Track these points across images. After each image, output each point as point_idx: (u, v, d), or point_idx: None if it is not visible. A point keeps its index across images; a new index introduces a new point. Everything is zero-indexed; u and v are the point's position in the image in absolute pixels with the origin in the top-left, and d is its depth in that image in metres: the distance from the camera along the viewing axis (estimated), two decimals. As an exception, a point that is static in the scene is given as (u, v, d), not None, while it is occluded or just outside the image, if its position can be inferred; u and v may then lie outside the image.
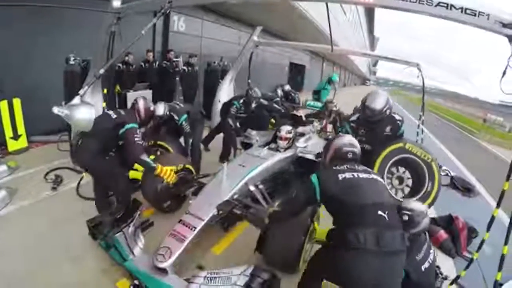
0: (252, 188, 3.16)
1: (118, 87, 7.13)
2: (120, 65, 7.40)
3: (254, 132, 5.15)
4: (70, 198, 4.16)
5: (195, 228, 2.70)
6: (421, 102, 6.99)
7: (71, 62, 5.50)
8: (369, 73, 79.90)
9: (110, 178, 3.43)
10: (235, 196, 3.11)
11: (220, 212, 2.88)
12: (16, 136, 5.69)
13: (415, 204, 2.44)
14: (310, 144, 4.85)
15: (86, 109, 4.12)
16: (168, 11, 3.84)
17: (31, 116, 5.75)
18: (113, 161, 3.55)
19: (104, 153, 3.41)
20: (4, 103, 5.47)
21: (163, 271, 2.46)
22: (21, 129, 5.75)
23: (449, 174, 6.54)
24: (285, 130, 4.52)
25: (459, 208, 4.69)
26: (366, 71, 68.65)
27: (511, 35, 2.44)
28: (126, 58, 7.40)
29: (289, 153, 4.38)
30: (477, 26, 2.61)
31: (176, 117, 4.65)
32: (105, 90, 4.85)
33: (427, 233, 2.50)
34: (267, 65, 17.27)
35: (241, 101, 5.91)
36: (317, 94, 9.37)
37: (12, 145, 5.60)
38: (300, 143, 4.69)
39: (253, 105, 5.99)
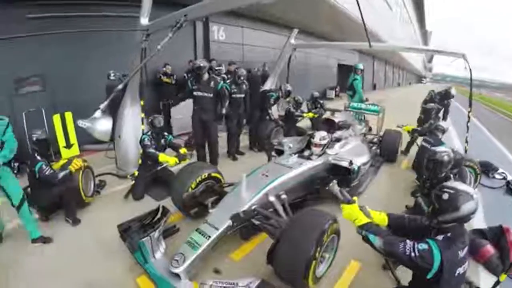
0: (272, 199, 3.17)
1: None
2: (161, 75, 7.80)
3: (286, 139, 5.07)
4: (109, 201, 4.58)
5: (209, 237, 2.81)
6: (469, 97, 6.08)
7: (111, 77, 6.02)
8: (425, 70, 76.05)
9: None
10: (254, 207, 3.13)
11: (234, 223, 2.95)
12: (68, 145, 6.25)
13: (460, 184, 2.05)
14: (345, 150, 4.75)
15: (105, 122, 4.48)
16: (184, 24, 3.96)
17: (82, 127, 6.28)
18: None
19: None
20: (57, 116, 6.05)
21: (177, 275, 2.59)
22: (73, 139, 6.31)
23: (506, 177, 5.88)
24: (319, 136, 4.43)
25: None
26: (422, 68, 65.34)
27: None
28: (164, 69, 7.80)
29: (319, 161, 4.30)
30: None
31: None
32: (142, 102, 5.15)
33: (468, 235, 2.04)
34: (313, 67, 17.21)
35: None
36: (350, 90, 9.13)
37: (66, 153, 6.16)
38: (332, 149, 4.60)
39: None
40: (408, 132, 6.20)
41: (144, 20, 4.82)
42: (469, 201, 1.90)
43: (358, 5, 4.26)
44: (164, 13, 4.50)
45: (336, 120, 5.90)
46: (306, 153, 4.47)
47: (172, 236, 3.53)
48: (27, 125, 5.94)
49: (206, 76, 5.24)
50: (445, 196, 1.96)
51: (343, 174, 4.30)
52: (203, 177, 3.80)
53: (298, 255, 2.44)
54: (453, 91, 7.65)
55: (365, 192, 4.85)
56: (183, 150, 4.78)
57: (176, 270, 2.59)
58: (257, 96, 7.46)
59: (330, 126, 5.78)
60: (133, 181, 4.76)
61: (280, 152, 4.82)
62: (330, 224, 2.62)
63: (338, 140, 5.02)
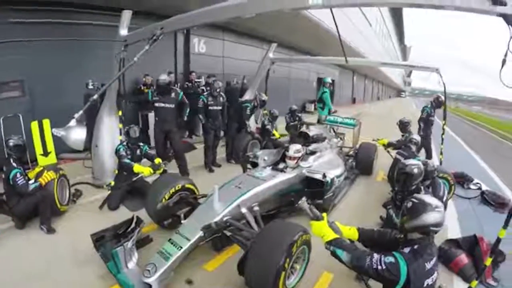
0: (244, 210, 3.23)
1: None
2: (141, 86, 7.80)
3: (261, 152, 5.13)
4: (85, 210, 4.58)
5: (181, 247, 2.84)
6: (444, 109, 6.59)
7: (90, 86, 6.01)
8: (404, 84, 77.84)
9: None
10: (226, 218, 3.18)
11: (206, 234, 3.00)
12: (46, 153, 6.15)
13: (428, 197, 2.12)
14: (319, 163, 4.83)
15: (79, 131, 4.49)
16: (160, 37, 4.04)
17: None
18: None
19: None
20: (35, 123, 5.98)
21: (149, 286, 2.62)
22: (50, 147, 6.22)
23: (480, 187, 6.11)
24: (294, 149, 4.50)
25: (491, 227, 4.02)
26: (401, 83, 66.97)
27: (505, 14, 2.09)
28: (144, 79, 7.81)
29: (293, 173, 4.37)
30: (464, 9, 2.29)
31: None
32: (120, 112, 5.17)
33: (436, 246, 2.12)
34: (293, 81, 17.45)
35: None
36: (320, 102, 9.37)
37: (42, 161, 6.05)
38: (307, 162, 4.68)
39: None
40: (383, 145, 6.37)
41: (123, 31, 4.90)
42: (431, 212, 1.96)
43: (334, 20, 4.43)
44: (145, 24, 4.58)
45: (311, 134, 6.01)
46: (281, 165, 4.54)
47: (145, 246, 3.55)
48: (4, 131, 5.88)
49: (167, 88, 5.54)
50: (409, 204, 2.06)
51: (317, 186, 4.38)
52: (177, 188, 3.83)
53: (267, 266, 2.48)
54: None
55: (340, 204, 4.98)
56: (157, 160, 4.84)
57: (148, 280, 2.62)
58: (235, 108, 7.58)
59: (305, 139, 5.89)
60: (109, 191, 4.77)
61: (255, 165, 4.89)
62: (300, 236, 2.68)
63: (313, 153, 5.11)
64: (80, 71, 6.97)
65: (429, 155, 6.98)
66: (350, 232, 2.45)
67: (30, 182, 3.82)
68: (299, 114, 8.93)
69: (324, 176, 4.29)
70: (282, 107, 8.71)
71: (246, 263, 2.65)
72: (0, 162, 4.40)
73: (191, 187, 4.05)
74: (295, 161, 4.47)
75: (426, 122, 7.02)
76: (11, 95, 6.45)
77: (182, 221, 3.38)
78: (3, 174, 3.77)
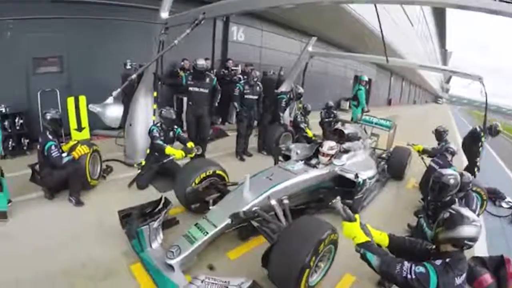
0: (273, 202, 3.17)
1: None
2: (178, 69, 7.87)
3: (293, 145, 5.04)
4: (113, 187, 4.67)
5: (207, 233, 2.82)
6: (483, 122, 6.15)
7: (128, 66, 6.10)
8: (442, 90, 75.17)
9: None
10: (255, 208, 3.13)
11: (233, 222, 2.97)
12: (80, 128, 6.29)
13: (466, 210, 2.03)
14: (352, 162, 4.70)
15: (116, 108, 4.55)
16: (201, 22, 4.01)
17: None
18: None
19: None
20: (71, 99, 6.12)
21: (171, 267, 2.62)
22: (84, 123, 6.34)
23: None
24: (327, 145, 4.39)
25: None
26: (438, 88, 64.66)
27: None
28: (182, 63, 7.86)
29: (325, 170, 4.28)
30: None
31: None
32: (155, 93, 5.22)
33: (467, 263, 1.99)
34: (330, 77, 17.17)
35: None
36: (355, 100, 9.13)
37: (76, 136, 6.19)
38: (340, 160, 4.55)
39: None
40: (418, 151, 6.13)
41: (164, 14, 4.90)
42: (468, 225, 1.89)
43: (378, 17, 4.26)
44: (185, 8, 4.56)
45: (346, 132, 5.86)
46: (313, 161, 4.43)
47: (171, 228, 3.54)
48: (41, 104, 6.09)
49: (203, 73, 5.50)
50: (446, 215, 1.98)
51: (348, 186, 4.27)
52: (207, 173, 3.82)
53: (293, 262, 2.42)
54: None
55: (368, 207, 4.82)
56: (190, 144, 4.82)
57: (171, 262, 2.61)
58: (270, 99, 7.47)
59: (340, 136, 5.74)
60: (139, 171, 4.82)
61: (287, 158, 4.82)
62: (328, 234, 2.59)
63: (346, 151, 4.97)
64: (118, 51, 7.10)
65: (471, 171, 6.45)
66: (380, 237, 2.35)
67: (64, 155, 3.91)
68: (335, 111, 8.75)
69: (357, 176, 4.16)
70: (316, 102, 8.56)
71: (270, 256, 2.60)
72: (36, 133, 4.57)
73: (222, 173, 4.03)
74: (328, 158, 4.36)
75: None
76: (49, 70, 6.65)
77: (210, 207, 3.37)
78: (38, 146, 3.87)
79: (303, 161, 4.42)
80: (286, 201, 3.25)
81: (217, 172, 3.96)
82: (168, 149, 4.61)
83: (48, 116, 3.94)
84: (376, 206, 4.94)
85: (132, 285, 2.70)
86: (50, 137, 3.83)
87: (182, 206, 3.93)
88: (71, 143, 4.30)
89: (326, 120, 8.52)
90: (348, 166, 4.49)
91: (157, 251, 2.95)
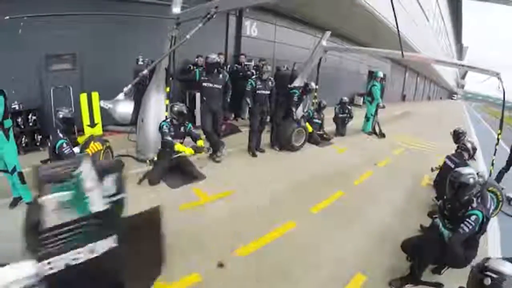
0: None
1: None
2: (191, 66, 7.85)
3: None
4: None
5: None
6: (500, 118, 5.70)
7: (140, 62, 6.12)
8: (457, 86, 73.80)
9: None
10: None
11: None
12: (92, 124, 6.36)
13: (505, 266, 1.83)
14: None
15: (127, 104, 4.53)
16: (214, 16, 3.95)
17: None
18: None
19: None
20: (84, 95, 6.19)
21: None
22: (97, 118, 6.42)
23: None
24: None
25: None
26: (453, 84, 63.47)
27: None
28: (196, 60, 7.85)
29: None
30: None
31: None
32: (168, 89, 5.21)
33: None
34: (343, 72, 16.99)
35: None
36: (369, 95, 8.97)
37: (89, 132, 6.26)
38: None
39: None
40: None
41: (176, 9, 4.87)
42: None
43: (394, 12, 4.15)
44: (196, 4, 4.53)
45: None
46: None
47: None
48: (54, 101, 6.16)
49: (217, 68, 5.51)
50: (487, 281, 1.81)
51: None
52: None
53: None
54: None
55: (380, 204, 4.69)
56: (200, 143, 4.82)
57: None
58: (283, 94, 7.35)
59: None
60: (151, 166, 4.82)
61: None
62: None
63: None
64: (129, 47, 7.10)
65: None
66: None
67: (76, 149, 3.93)
68: (349, 107, 8.62)
69: None
70: (330, 98, 8.45)
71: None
72: (49, 130, 4.57)
73: None
74: None
75: None
76: (63, 67, 6.68)
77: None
78: (49, 143, 3.87)
79: None
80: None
81: None
82: (178, 146, 4.61)
83: (61, 115, 3.91)
84: (388, 204, 4.75)
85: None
86: (61, 135, 3.81)
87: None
88: (85, 137, 4.31)
89: (340, 115, 8.41)
90: None
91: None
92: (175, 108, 4.80)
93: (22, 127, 5.71)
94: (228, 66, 8.91)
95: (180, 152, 4.70)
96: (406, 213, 4.53)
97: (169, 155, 4.78)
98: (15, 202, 3.75)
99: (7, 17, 5.81)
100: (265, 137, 6.90)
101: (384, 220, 4.14)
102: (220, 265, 2.88)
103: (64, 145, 3.74)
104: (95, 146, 4.07)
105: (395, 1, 4.03)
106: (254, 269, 2.89)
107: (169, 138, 4.64)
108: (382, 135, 8.97)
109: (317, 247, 3.26)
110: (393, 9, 4.06)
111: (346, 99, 8.79)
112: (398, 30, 4.95)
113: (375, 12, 11.02)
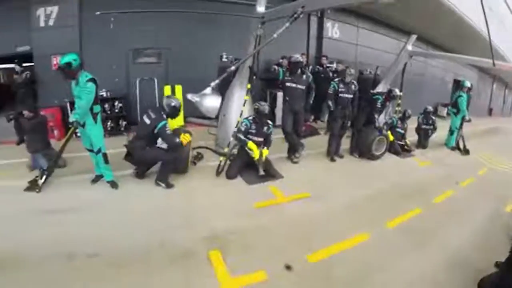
0: None
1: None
2: (275, 67, 7.91)
3: None
4: (203, 173, 4.87)
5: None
6: None
7: (224, 59, 6.33)
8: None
9: None
10: None
11: None
12: (178, 115, 6.76)
13: None
14: None
15: (213, 99, 4.71)
16: (300, 15, 3.92)
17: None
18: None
19: None
20: (168, 87, 6.59)
21: None
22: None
23: None
24: None
25: None
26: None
27: None
28: (281, 61, 7.92)
29: None
30: None
31: None
32: (249, 85, 5.31)
33: None
34: (427, 79, 15.89)
35: None
36: (454, 107, 8.20)
37: (171, 123, 6.61)
38: None
39: None
40: None
41: (261, 8, 4.97)
42: None
43: (485, 17, 3.83)
44: (279, 3, 4.57)
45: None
46: None
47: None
48: (139, 91, 6.72)
49: (300, 69, 5.50)
50: None
51: None
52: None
53: None
54: None
55: (455, 231, 3.95)
56: (265, 152, 4.83)
57: None
58: (365, 99, 6.89)
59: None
60: (227, 160, 4.93)
61: None
62: None
63: None
64: (212, 44, 7.41)
65: None
66: None
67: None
68: (433, 118, 8.03)
69: None
70: (412, 106, 7.93)
71: None
72: (134, 117, 4.84)
73: None
74: None
75: None
76: (149, 60, 7.29)
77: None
78: (145, 123, 4.21)
79: None
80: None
81: None
82: (250, 144, 4.70)
83: (172, 103, 4.32)
84: (468, 230, 4.05)
85: (206, 270, 2.73)
86: (165, 116, 4.21)
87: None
88: (173, 127, 4.60)
89: (424, 126, 7.88)
90: None
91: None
92: (260, 108, 4.84)
93: (109, 112, 6.30)
94: (310, 67, 8.80)
95: (251, 150, 4.75)
96: (488, 243, 3.80)
97: (245, 151, 4.83)
98: (96, 179, 4.25)
99: (98, 13, 6.46)
100: (345, 142, 6.63)
101: (461, 248, 3.54)
102: (288, 267, 2.85)
103: (167, 125, 4.13)
104: (186, 137, 4.38)
105: (486, 6, 3.72)
106: (319, 278, 2.80)
107: (242, 137, 4.73)
108: (466, 152, 8.13)
109: (386, 266, 3.02)
110: (484, 14, 3.77)
111: (430, 108, 8.18)
112: (489, 37, 4.55)
113: (465, 18, 10.33)
